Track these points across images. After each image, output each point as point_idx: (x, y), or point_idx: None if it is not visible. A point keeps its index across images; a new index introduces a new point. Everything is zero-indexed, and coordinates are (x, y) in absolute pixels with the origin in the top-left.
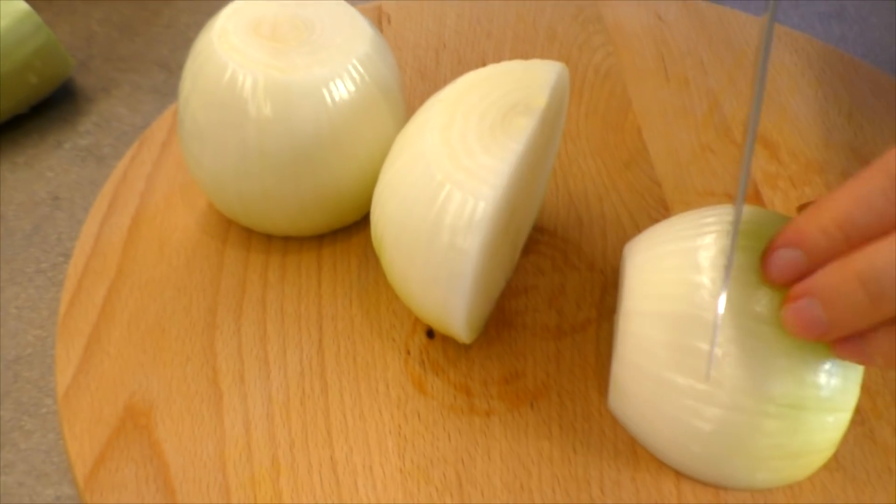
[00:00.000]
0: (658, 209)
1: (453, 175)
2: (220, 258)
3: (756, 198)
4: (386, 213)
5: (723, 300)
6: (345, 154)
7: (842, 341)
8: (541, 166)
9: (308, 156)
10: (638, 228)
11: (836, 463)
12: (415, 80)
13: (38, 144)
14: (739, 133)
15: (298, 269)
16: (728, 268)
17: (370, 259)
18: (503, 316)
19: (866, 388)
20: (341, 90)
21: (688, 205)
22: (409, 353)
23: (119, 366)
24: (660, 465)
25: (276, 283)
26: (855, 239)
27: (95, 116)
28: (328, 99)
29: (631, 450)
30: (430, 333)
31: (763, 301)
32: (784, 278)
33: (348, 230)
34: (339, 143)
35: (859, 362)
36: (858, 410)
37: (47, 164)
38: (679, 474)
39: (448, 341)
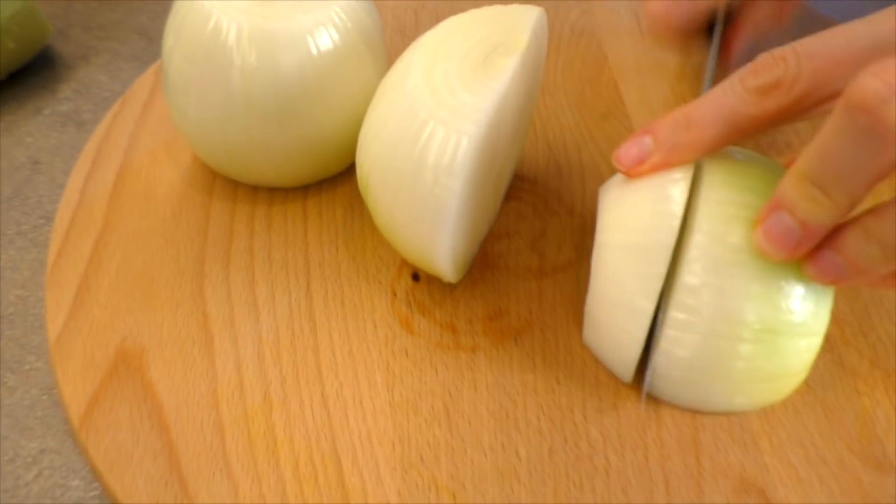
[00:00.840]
0: None
1: (436, 113)
2: (206, 210)
3: None
4: (371, 154)
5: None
6: (329, 101)
7: (814, 258)
8: (521, 114)
9: (292, 103)
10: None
11: (807, 387)
12: (395, 38)
13: (16, 111)
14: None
15: (284, 218)
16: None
17: (355, 208)
18: (486, 259)
19: (834, 317)
20: (325, 38)
21: None
22: (395, 295)
23: (109, 313)
24: (639, 393)
25: (263, 231)
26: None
27: (75, 83)
28: (312, 46)
29: (612, 378)
30: (416, 276)
31: (738, 232)
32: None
33: (333, 181)
34: (323, 91)
35: (833, 280)
36: (827, 338)
37: (26, 130)
38: (658, 400)
39: (433, 283)
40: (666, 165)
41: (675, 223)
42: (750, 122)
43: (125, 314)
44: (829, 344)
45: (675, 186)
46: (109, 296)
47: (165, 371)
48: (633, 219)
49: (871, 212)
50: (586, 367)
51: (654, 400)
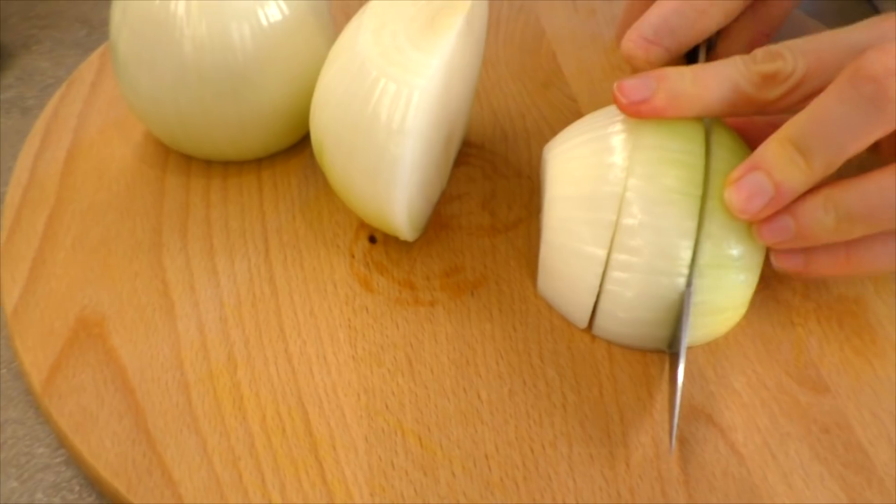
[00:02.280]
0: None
1: (387, 70)
2: (160, 184)
3: None
4: (324, 116)
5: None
6: (280, 72)
7: (767, 221)
8: (467, 79)
9: (245, 74)
10: None
11: (747, 321)
12: (340, 21)
13: None
14: None
15: (240, 189)
16: None
17: (310, 178)
18: (440, 220)
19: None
20: (274, 9)
21: None
22: (353, 256)
23: (66, 284)
24: (594, 337)
25: (219, 203)
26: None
27: (17, 70)
28: (263, 18)
29: (565, 324)
30: (373, 239)
31: (670, 173)
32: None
33: (286, 154)
34: (274, 62)
35: (779, 241)
36: (762, 276)
37: None
38: (611, 345)
39: (390, 245)
40: (666, 111)
41: (620, 172)
42: (747, 102)
43: (83, 284)
44: (764, 281)
45: (617, 137)
46: (66, 268)
47: (127, 336)
48: (580, 171)
49: (833, 184)
50: (541, 314)
51: (605, 341)
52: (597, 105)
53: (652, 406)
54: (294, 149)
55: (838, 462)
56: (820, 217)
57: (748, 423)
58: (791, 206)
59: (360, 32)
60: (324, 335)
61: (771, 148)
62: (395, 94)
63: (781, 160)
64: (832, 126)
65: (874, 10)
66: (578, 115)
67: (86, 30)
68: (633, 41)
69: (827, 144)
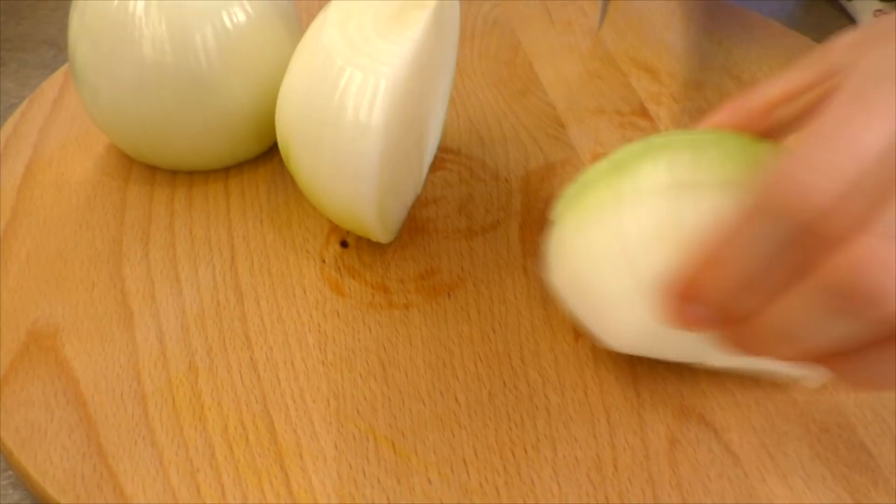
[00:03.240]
0: (554, 126)
1: (353, 60)
2: (122, 195)
3: (643, 112)
4: (289, 112)
5: None
6: (246, 75)
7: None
8: (438, 81)
9: (208, 77)
10: (537, 144)
11: None
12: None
13: None
14: (623, 62)
15: (206, 198)
16: None
17: (279, 184)
18: (415, 223)
19: None
20: (238, 11)
21: (581, 122)
22: (324, 261)
23: (19, 297)
24: (577, 336)
25: (183, 211)
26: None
27: None
28: (226, 20)
29: (546, 325)
30: (345, 243)
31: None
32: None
33: (255, 162)
34: (239, 64)
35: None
36: None
37: None
38: (595, 343)
39: (362, 248)
40: None
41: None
42: None
43: (37, 297)
44: None
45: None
46: (19, 281)
47: (81, 348)
48: None
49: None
50: (521, 315)
51: (590, 343)
52: (575, 111)
53: (640, 406)
54: (263, 157)
55: (840, 462)
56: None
57: (743, 422)
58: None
59: (325, 26)
60: (292, 341)
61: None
62: (362, 84)
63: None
64: (798, 332)
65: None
66: (556, 120)
67: (53, 51)
68: None
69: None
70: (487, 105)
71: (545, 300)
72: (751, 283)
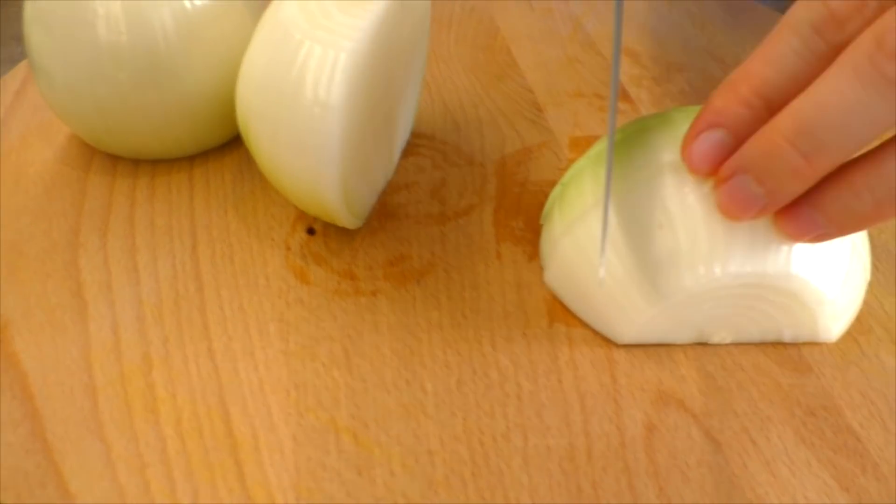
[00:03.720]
0: (532, 110)
1: (312, 34)
2: (82, 185)
3: (624, 96)
4: (249, 89)
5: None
6: (206, 58)
7: (788, 217)
8: (407, 64)
9: (167, 59)
10: (514, 128)
11: None
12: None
13: None
14: (604, 46)
15: (168, 187)
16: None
17: (245, 173)
18: (386, 209)
19: None
20: None
21: (560, 105)
22: (289, 249)
23: None
24: (551, 321)
25: (145, 201)
26: (776, 103)
27: None
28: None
29: (521, 310)
30: (311, 231)
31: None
32: (711, 164)
33: (220, 150)
34: (199, 46)
35: (814, 238)
36: None
37: None
38: (570, 328)
39: (330, 236)
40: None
41: None
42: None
43: None
44: None
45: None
46: None
47: (32, 340)
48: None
49: (855, 164)
50: (493, 301)
51: (565, 327)
52: (553, 95)
53: (616, 392)
54: (230, 145)
55: (827, 447)
56: (852, 205)
57: (724, 407)
58: (813, 196)
59: (284, 4)
60: (252, 330)
61: (760, 146)
62: (321, 57)
63: (775, 163)
64: (847, 117)
65: None
66: (535, 104)
67: (21, 47)
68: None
69: (839, 141)
70: (463, 90)
71: (519, 285)
72: (765, 85)
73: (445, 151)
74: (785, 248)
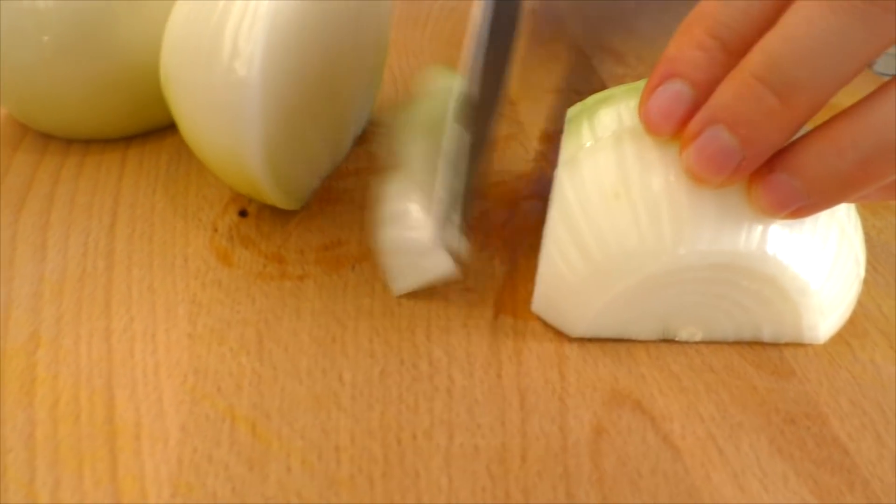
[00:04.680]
0: (504, 104)
1: None
2: (7, 162)
3: None
4: (168, 47)
5: None
6: (138, 24)
7: (764, 185)
8: (357, 46)
9: (94, 25)
10: None
11: None
12: None
13: None
14: (587, 46)
15: (98, 166)
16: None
17: (183, 155)
18: (329, 194)
19: None
20: None
21: (535, 100)
22: (216, 230)
23: None
24: (498, 312)
25: (70, 179)
26: (734, 44)
27: None
28: None
29: (464, 299)
30: (244, 213)
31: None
32: (671, 119)
33: (162, 133)
34: (130, 11)
35: (794, 212)
36: None
37: None
38: (518, 320)
39: (263, 218)
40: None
41: None
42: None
43: None
44: None
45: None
46: None
47: None
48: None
49: (837, 116)
50: (434, 289)
51: (511, 319)
52: (528, 89)
53: (563, 390)
54: (174, 127)
55: (808, 459)
56: (834, 164)
57: (688, 411)
58: (787, 159)
59: None
60: (159, 311)
61: (731, 88)
62: (241, 11)
63: (751, 108)
64: (819, 48)
65: None
66: (508, 99)
67: None
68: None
69: (813, 76)
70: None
71: (465, 274)
72: (719, 24)
73: None
74: (760, 225)
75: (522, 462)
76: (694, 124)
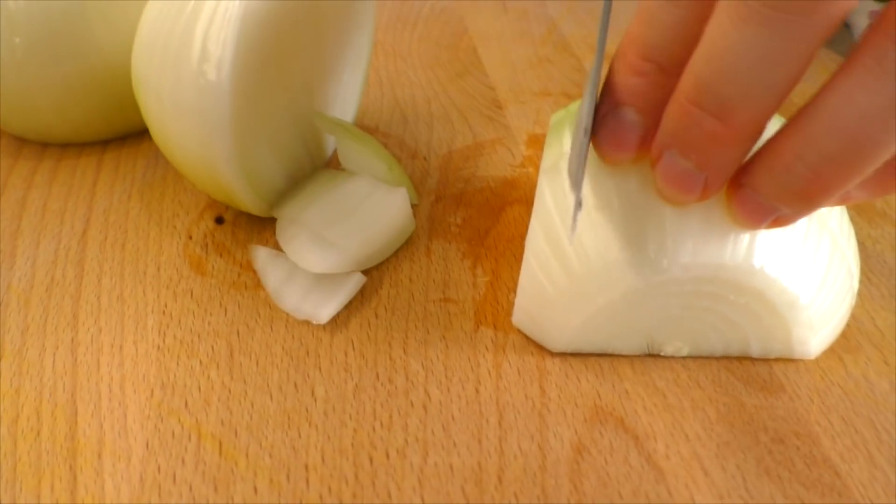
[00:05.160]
0: (490, 107)
1: None
2: None
3: None
4: (137, 48)
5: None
6: (113, 23)
7: (735, 201)
8: (337, 47)
9: (67, 22)
10: (467, 124)
11: None
12: None
13: None
14: (579, 48)
15: (73, 171)
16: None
17: (160, 160)
18: None
19: None
20: None
21: (522, 103)
22: (190, 238)
23: None
24: (478, 325)
25: (43, 184)
26: (670, 65)
27: None
28: None
29: (444, 311)
30: (220, 220)
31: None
32: (627, 147)
33: (139, 136)
34: (102, 13)
35: (772, 224)
36: None
37: None
38: (499, 332)
39: (240, 225)
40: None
41: None
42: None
43: None
44: None
45: None
46: None
47: None
48: None
49: (781, 130)
50: (413, 300)
51: (492, 331)
52: (517, 93)
53: (543, 406)
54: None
55: (797, 481)
56: (786, 180)
57: (673, 429)
58: (749, 176)
59: None
60: (128, 322)
61: (673, 115)
62: (211, 12)
63: (692, 131)
64: (739, 63)
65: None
66: (494, 101)
67: None
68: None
69: (743, 92)
70: (418, 86)
71: (446, 284)
72: (648, 46)
73: (387, 144)
74: (745, 236)
75: (499, 482)
76: (654, 148)
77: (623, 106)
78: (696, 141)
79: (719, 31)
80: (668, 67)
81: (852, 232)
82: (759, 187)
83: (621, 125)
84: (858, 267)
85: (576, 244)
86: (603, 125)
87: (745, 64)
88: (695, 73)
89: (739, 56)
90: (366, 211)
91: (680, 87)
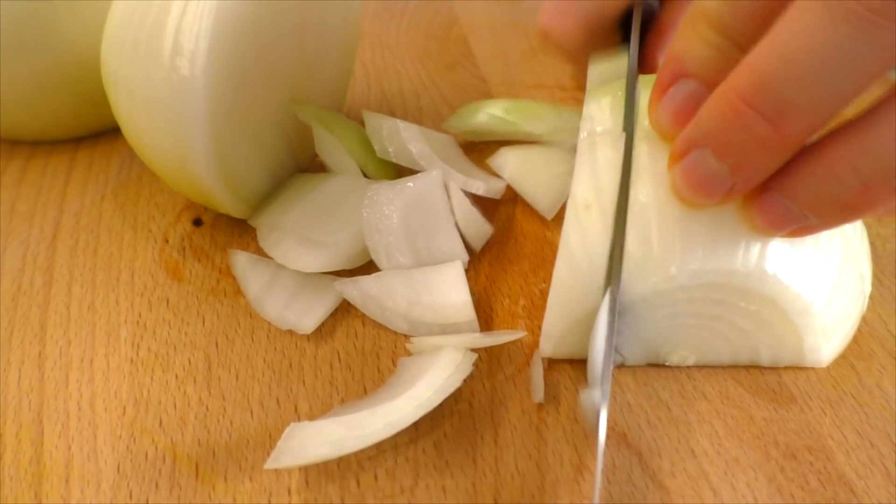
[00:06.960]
0: (482, 100)
1: None
2: None
3: None
4: (107, 42)
5: None
6: (83, 16)
7: (758, 205)
8: (318, 44)
9: (35, 16)
10: None
11: None
12: None
13: None
14: None
15: (43, 171)
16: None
17: (136, 158)
18: None
19: None
20: None
21: (515, 96)
22: (167, 241)
23: None
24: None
25: (11, 185)
26: (745, 43)
27: None
28: None
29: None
30: (198, 222)
31: None
32: (688, 121)
33: (114, 134)
34: (73, 6)
35: (791, 232)
36: None
37: None
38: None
39: (219, 228)
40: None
41: None
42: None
43: None
44: None
45: None
46: None
47: None
48: None
49: (835, 136)
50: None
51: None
52: (510, 86)
53: (541, 422)
54: None
55: (811, 500)
56: (833, 189)
57: (679, 445)
58: (784, 181)
59: None
60: (99, 334)
61: (718, 111)
62: (183, 4)
63: (735, 133)
64: (818, 65)
65: None
66: (486, 94)
67: None
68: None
69: (811, 98)
70: (407, 78)
71: None
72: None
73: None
74: (758, 242)
75: None
76: (680, 143)
77: (689, 77)
78: (738, 144)
79: (800, 28)
80: (744, 45)
81: (865, 232)
82: (794, 194)
83: (688, 97)
84: (870, 269)
85: (579, 248)
86: (667, 97)
87: (822, 67)
88: (757, 69)
89: (821, 59)
90: (348, 208)
91: (731, 81)
